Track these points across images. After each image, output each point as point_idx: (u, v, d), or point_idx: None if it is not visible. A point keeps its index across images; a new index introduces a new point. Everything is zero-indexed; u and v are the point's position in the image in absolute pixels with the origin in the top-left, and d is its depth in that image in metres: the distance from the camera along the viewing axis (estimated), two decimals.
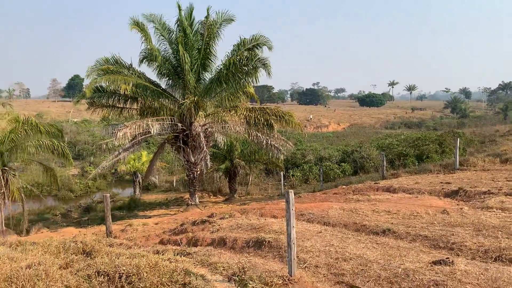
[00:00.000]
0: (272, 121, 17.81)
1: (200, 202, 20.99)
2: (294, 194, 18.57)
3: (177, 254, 7.34)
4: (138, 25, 17.73)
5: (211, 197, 26.86)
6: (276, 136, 18.62)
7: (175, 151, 19.62)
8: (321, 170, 24.95)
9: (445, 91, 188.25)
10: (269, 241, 7.44)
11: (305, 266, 6.16)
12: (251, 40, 17.73)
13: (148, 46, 17.91)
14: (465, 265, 5.59)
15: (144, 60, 18.61)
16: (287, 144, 19.14)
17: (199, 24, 18.73)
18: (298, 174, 29.31)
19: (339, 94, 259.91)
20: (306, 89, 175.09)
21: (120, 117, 20.24)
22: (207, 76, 19.34)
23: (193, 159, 18.59)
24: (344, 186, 16.02)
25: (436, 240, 6.85)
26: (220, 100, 19.45)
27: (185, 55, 17.26)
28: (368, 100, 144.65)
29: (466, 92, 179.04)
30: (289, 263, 5.53)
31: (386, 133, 63.89)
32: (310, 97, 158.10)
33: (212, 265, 6.51)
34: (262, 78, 18.00)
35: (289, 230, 5.46)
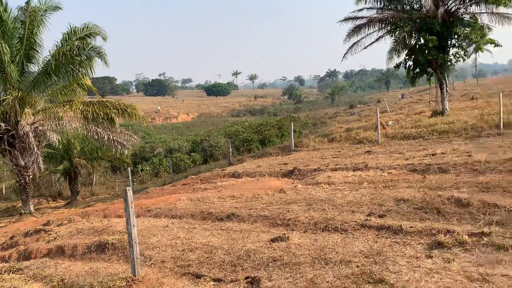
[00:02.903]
0: (113, 115, 16.83)
1: (37, 209, 18.84)
2: (143, 189, 17.84)
3: (5, 272, 6.61)
4: None
5: (50, 202, 24.32)
6: (119, 130, 17.73)
7: (1, 155, 17.13)
8: (171, 162, 24.77)
9: (282, 79, 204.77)
10: (112, 243, 7.09)
11: (151, 263, 6.03)
12: (82, 29, 16.34)
13: None
14: (299, 239, 6.16)
15: None
16: (132, 138, 18.44)
17: (18, 10, 16.51)
18: (148, 168, 28.63)
19: (186, 84, 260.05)
20: (152, 80, 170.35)
21: None
22: (34, 68, 17.27)
23: (23, 163, 16.49)
24: (193, 176, 16.16)
25: (274, 218, 7.37)
26: (53, 94, 17.60)
27: (3, 45, 15.08)
28: (214, 90, 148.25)
29: (300, 80, 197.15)
30: (132, 263, 5.34)
31: (233, 121, 66.66)
32: (157, 88, 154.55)
33: (47, 278, 6.01)
34: (103, 69, 16.87)
35: (130, 229, 5.25)
